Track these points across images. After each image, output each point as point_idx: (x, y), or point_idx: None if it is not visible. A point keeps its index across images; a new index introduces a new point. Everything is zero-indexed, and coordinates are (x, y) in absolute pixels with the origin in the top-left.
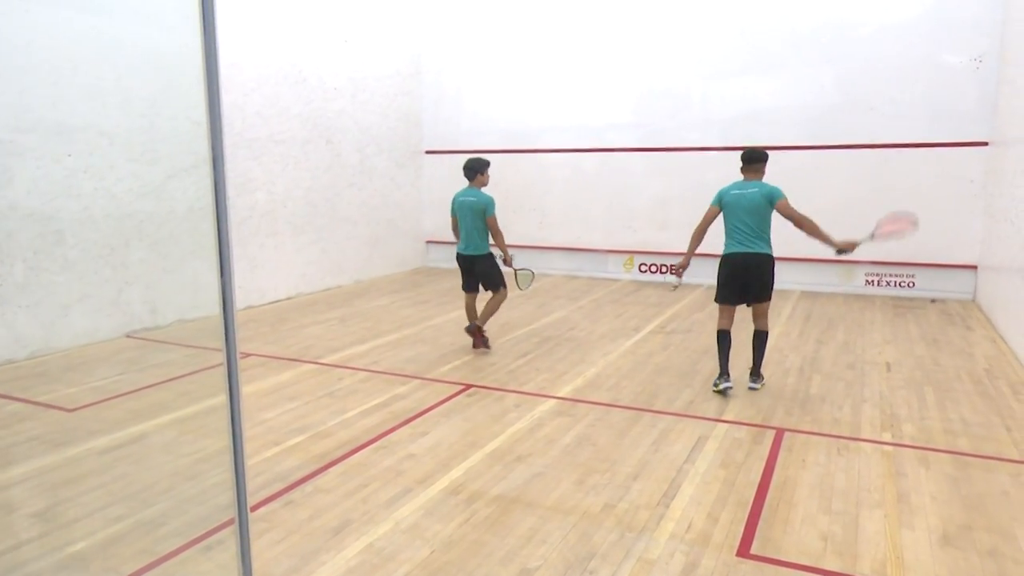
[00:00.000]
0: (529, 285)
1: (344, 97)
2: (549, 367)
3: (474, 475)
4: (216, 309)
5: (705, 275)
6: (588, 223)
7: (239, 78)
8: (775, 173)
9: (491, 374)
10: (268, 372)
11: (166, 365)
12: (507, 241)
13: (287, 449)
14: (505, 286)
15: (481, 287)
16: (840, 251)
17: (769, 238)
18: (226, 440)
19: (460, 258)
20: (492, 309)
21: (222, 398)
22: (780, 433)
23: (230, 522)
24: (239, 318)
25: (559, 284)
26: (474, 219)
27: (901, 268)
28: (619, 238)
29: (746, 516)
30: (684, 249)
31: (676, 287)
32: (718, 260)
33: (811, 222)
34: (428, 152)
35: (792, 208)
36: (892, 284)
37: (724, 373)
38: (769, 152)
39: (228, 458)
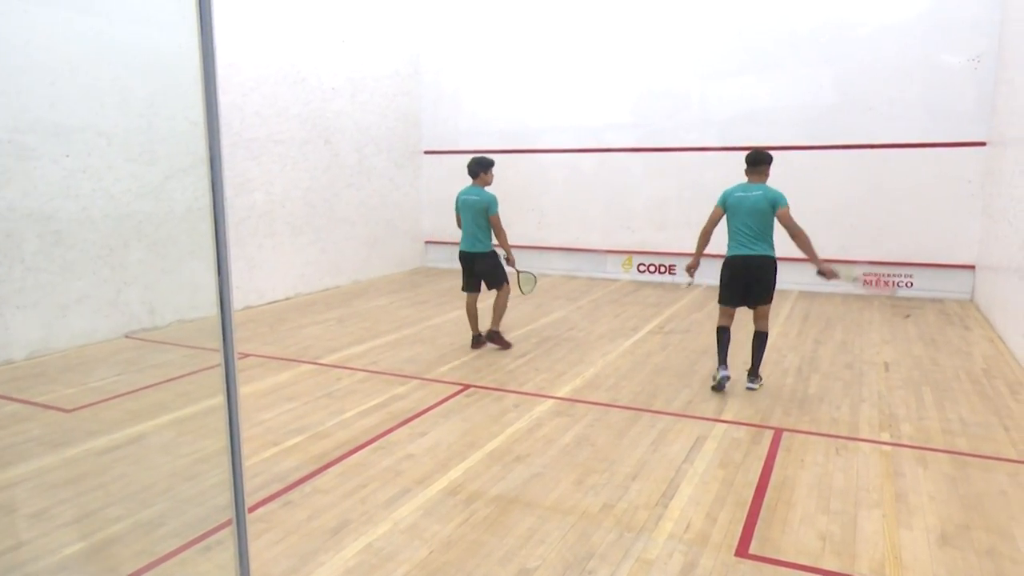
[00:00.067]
0: (532, 289)
1: (343, 97)
2: (548, 367)
3: (473, 475)
4: (214, 309)
5: (705, 275)
6: (587, 223)
7: (237, 78)
8: (774, 173)
9: (490, 374)
10: (267, 372)
11: (165, 366)
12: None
13: (286, 449)
14: (507, 283)
15: (484, 286)
16: (820, 273)
17: (772, 240)
18: (224, 441)
19: (462, 256)
20: (500, 309)
21: (220, 399)
22: (779, 433)
23: (228, 523)
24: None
25: (558, 284)
26: (476, 217)
27: (899, 268)
28: (618, 238)
29: (744, 516)
30: (683, 249)
31: (690, 284)
32: (720, 261)
33: (806, 237)
34: (427, 152)
35: (791, 219)
36: (890, 284)
37: (723, 363)
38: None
39: (226, 459)
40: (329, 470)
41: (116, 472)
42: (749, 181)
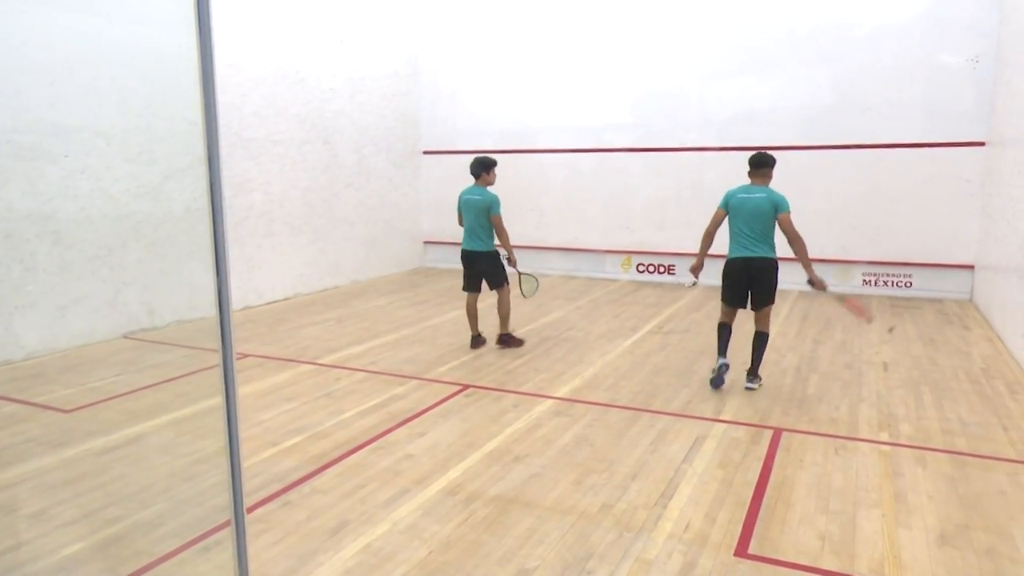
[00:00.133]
0: (533, 293)
1: (341, 97)
2: (547, 367)
3: (472, 475)
4: (213, 310)
5: (705, 275)
6: (586, 223)
7: (236, 78)
8: (773, 174)
9: (489, 374)
10: (266, 373)
11: (163, 366)
12: None
13: (284, 450)
14: (508, 282)
15: (485, 285)
16: (810, 282)
17: (773, 242)
18: (223, 441)
19: (463, 254)
20: (505, 310)
21: (219, 399)
22: (778, 433)
23: (227, 523)
24: (237, 319)
25: (557, 284)
26: (478, 217)
27: (898, 268)
28: (617, 238)
29: (744, 516)
30: (683, 249)
31: (694, 284)
32: (722, 261)
33: (803, 245)
34: (426, 152)
35: (792, 225)
36: (889, 284)
37: (722, 354)
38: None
39: (225, 459)
40: (328, 470)
41: (115, 472)
42: (752, 183)
